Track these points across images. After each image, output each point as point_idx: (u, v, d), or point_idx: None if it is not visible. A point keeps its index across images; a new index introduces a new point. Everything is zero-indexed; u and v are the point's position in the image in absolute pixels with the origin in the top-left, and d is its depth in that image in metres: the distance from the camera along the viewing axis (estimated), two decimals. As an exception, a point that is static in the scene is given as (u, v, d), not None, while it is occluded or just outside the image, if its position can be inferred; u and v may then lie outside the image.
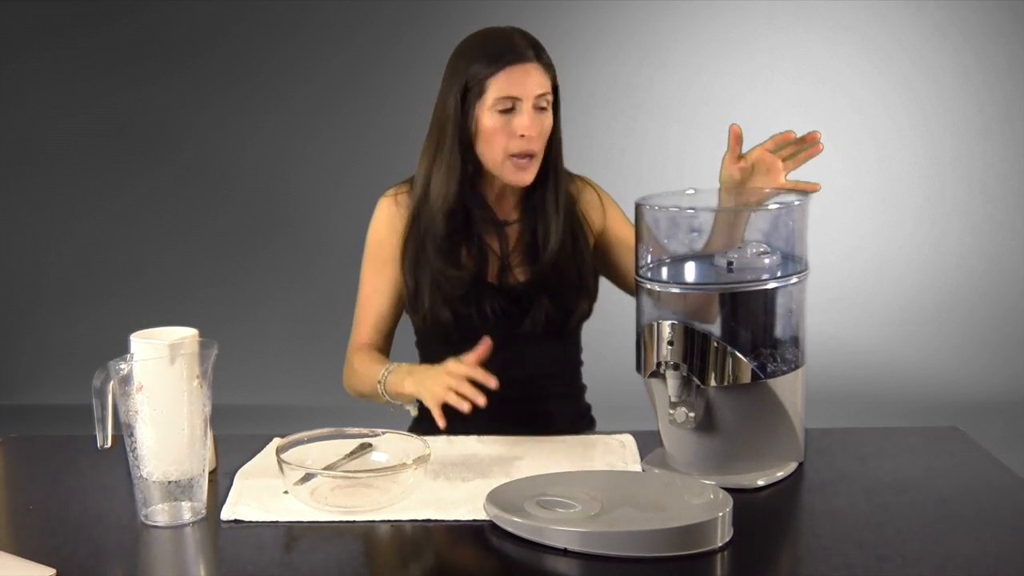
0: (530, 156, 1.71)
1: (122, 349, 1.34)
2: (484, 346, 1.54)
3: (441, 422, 1.49)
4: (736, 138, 1.57)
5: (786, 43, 4.58)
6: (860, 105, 4.59)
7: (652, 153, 4.56)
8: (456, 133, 1.72)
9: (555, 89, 1.74)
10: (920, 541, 1.26)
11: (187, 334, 1.39)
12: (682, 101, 4.61)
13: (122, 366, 1.30)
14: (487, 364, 1.80)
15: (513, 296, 1.78)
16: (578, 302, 1.81)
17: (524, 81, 1.69)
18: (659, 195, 1.48)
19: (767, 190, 1.55)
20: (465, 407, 1.46)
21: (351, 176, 4.45)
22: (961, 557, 1.21)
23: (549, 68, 1.73)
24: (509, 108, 1.69)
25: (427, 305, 1.77)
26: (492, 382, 1.48)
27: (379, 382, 1.68)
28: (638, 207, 1.45)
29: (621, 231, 1.85)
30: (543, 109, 1.72)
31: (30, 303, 4.73)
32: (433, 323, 1.78)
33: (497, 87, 1.68)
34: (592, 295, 1.84)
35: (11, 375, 4.58)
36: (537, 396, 1.84)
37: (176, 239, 4.69)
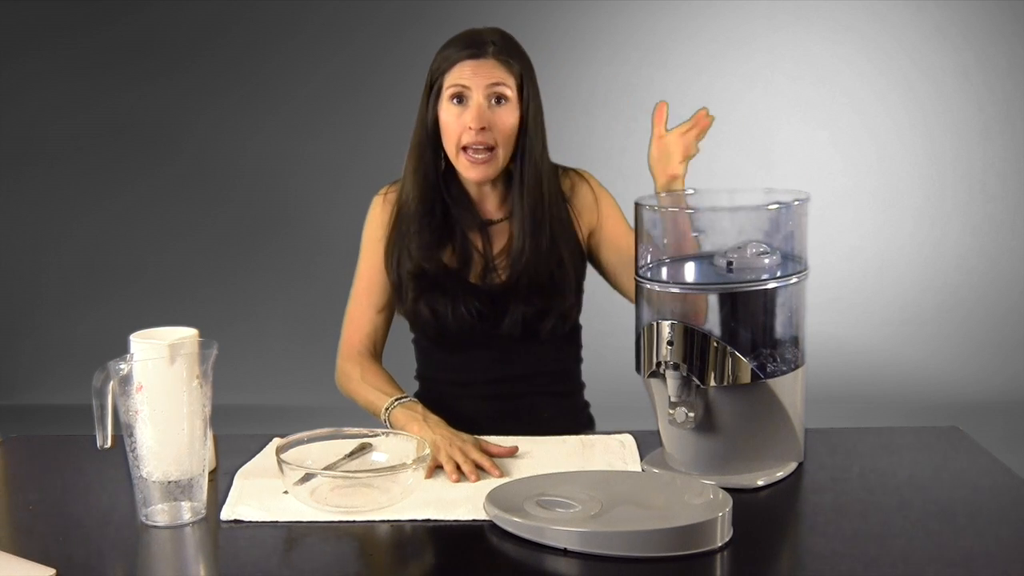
0: (487, 150, 1.70)
1: (122, 349, 1.34)
2: (512, 448, 1.55)
3: (429, 474, 1.47)
4: (660, 117, 1.71)
5: (786, 43, 4.57)
6: (860, 105, 4.58)
7: (652, 153, 4.55)
8: (422, 130, 1.75)
9: (523, 85, 1.72)
10: (920, 541, 1.26)
11: (187, 334, 1.39)
12: (682, 101, 4.58)
13: (122, 366, 1.30)
14: (475, 361, 1.81)
15: (492, 297, 1.77)
16: (551, 305, 1.77)
17: (474, 72, 1.69)
18: (659, 195, 1.48)
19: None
20: (453, 478, 1.45)
21: (351, 176, 4.43)
22: (961, 557, 1.21)
23: (509, 64, 1.70)
24: (459, 100, 1.70)
25: (409, 300, 1.78)
26: (496, 473, 1.46)
27: (385, 409, 1.66)
28: (638, 207, 1.45)
29: (612, 230, 1.82)
30: (500, 103, 1.71)
31: (30, 303, 4.73)
32: (415, 319, 1.80)
33: (449, 79, 1.70)
34: (568, 298, 1.78)
35: (11, 375, 4.58)
36: (527, 394, 1.83)
37: (176, 239, 4.69)
